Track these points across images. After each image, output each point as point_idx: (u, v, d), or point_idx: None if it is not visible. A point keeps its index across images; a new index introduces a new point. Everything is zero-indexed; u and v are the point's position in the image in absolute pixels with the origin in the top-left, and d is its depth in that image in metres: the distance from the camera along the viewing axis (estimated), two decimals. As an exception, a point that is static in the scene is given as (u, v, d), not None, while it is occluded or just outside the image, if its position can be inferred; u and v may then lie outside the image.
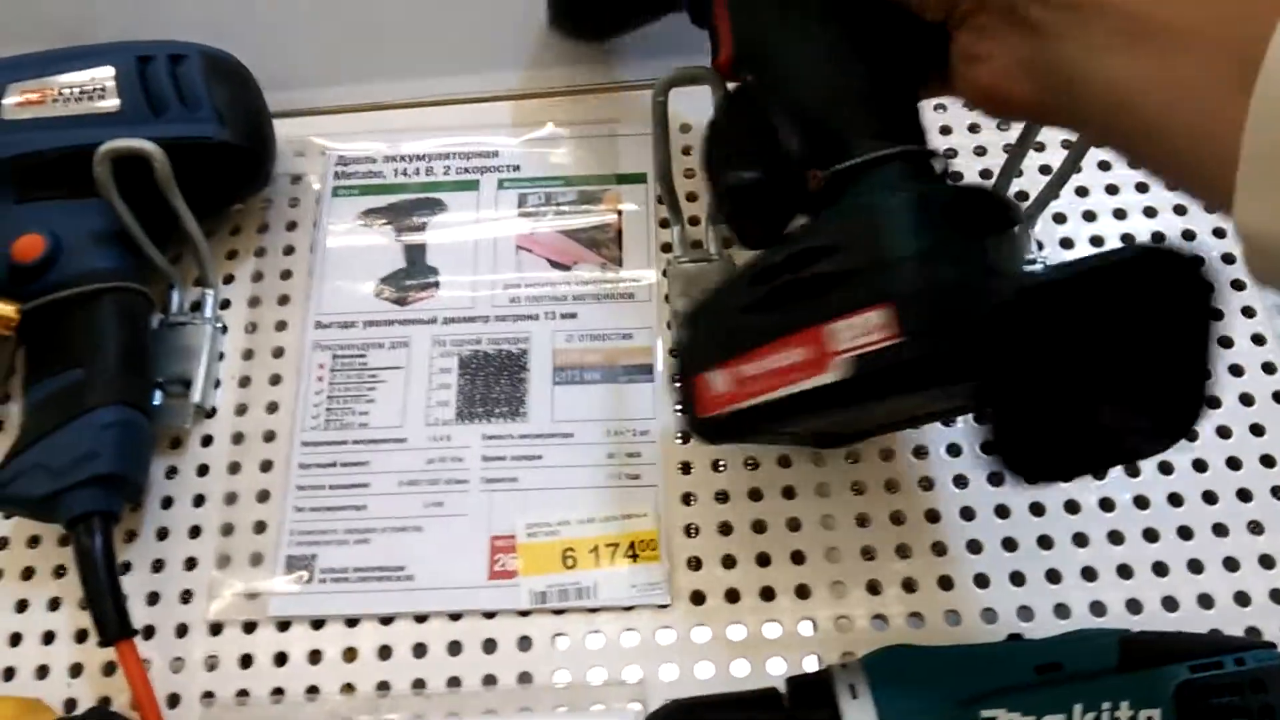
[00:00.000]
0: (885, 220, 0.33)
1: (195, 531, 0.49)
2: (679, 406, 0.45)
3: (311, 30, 0.61)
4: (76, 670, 0.47)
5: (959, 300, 0.32)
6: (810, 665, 0.45)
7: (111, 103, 0.51)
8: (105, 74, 0.51)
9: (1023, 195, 0.53)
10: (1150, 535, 0.47)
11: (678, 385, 0.45)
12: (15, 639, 0.48)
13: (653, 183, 0.56)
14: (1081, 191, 0.55)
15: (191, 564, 0.48)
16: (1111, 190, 0.55)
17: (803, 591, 0.46)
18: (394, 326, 0.53)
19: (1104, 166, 0.55)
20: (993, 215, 0.34)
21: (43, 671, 0.47)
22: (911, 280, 0.32)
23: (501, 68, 0.60)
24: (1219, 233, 0.53)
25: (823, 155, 0.37)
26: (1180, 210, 0.54)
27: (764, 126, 0.38)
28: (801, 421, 0.39)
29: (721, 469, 0.49)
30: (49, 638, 0.48)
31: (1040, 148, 0.55)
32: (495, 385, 0.51)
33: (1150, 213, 0.54)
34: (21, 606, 0.48)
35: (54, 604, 0.48)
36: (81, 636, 0.47)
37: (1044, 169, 0.55)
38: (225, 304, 0.55)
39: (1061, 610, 0.45)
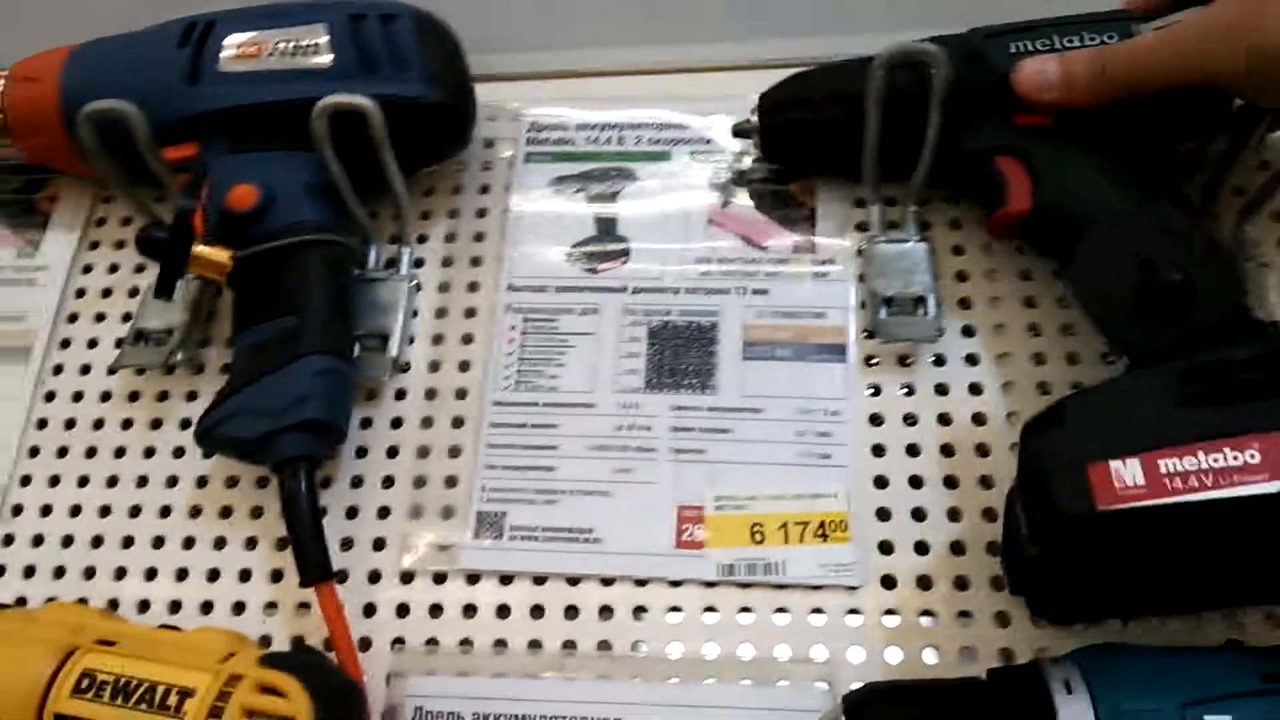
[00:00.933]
0: None
1: (389, 482, 0.50)
2: (1046, 494, 0.38)
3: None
4: (271, 608, 0.48)
5: None
6: (1004, 660, 0.44)
7: (325, 59, 0.52)
8: (319, 30, 0.53)
9: (1239, 190, 0.51)
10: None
11: (1039, 469, 0.39)
12: (213, 575, 0.49)
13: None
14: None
15: (384, 513, 0.50)
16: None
17: (998, 583, 0.45)
18: (584, 293, 0.53)
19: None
20: None
21: (239, 608, 0.48)
22: None
23: (695, 39, 0.60)
24: None
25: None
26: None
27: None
28: (1213, 535, 0.37)
29: (915, 454, 0.48)
30: (245, 575, 0.49)
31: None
32: (684, 357, 0.51)
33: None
34: (219, 544, 0.50)
35: (250, 543, 0.50)
36: (277, 576, 0.49)
37: (1263, 165, 0.53)
38: (419, 262, 0.56)
39: (1276, 620, 0.44)
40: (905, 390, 0.50)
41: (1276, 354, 0.38)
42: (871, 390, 0.50)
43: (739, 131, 0.55)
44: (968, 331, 0.51)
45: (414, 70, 0.52)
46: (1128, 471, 0.36)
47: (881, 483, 0.48)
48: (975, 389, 0.49)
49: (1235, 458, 0.35)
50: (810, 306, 0.52)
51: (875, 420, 0.49)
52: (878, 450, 0.48)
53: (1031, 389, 0.49)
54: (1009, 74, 0.47)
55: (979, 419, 0.49)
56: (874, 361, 0.50)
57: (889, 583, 0.46)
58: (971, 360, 0.50)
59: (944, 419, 0.49)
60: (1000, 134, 0.49)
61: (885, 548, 0.46)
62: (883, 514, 0.47)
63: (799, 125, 0.53)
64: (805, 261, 0.53)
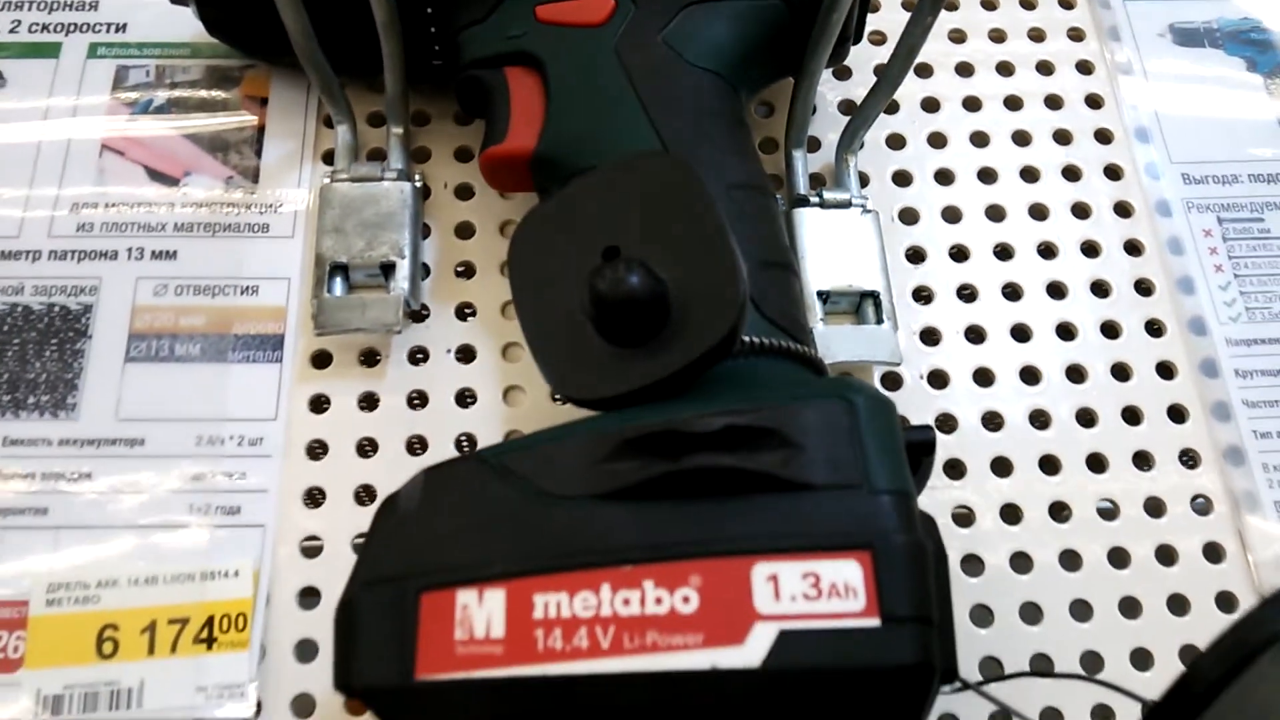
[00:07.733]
0: (870, 430, 0.22)
1: None
2: (342, 646, 0.23)
3: None
4: None
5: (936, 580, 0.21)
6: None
7: None
8: None
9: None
10: None
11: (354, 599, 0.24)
12: None
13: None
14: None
15: None
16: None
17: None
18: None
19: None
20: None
21: None
22: (903, 528, 0.21)
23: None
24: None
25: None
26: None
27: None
28: None
29: (374, 499, 0.32)
30: None
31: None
32: (34, 361, 0.33)
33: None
34: None
35: None
36: None
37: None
38: None
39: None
40: (365, 404, 0.33)
41: (744, 429, 0.22)
42: (315, 405, 0.33)
43: None
44: (464, 313, 0.35)
45: None
46: (483, 610, 0.21)
47: (314, 550, 0.32)
48: (467, 398, 0.34)
49: (659, 600, 0.20)
50: (238, 277, 0.35)
51: (317, 451, 0.33)
52: (315, 497, 0.32)
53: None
54: None
55: (473, 442, 0.33)
56: (325, 362, 0.34)
57: (305, 708, 0.30)
58: (466, 356, 0.34)
59: (419, 444, 0.33)
60: (510, 32, 0.33)
61: (306, 651, 0.31)
62: (310, 597, 0.31)
63: None
64: (238, 208, 0.36)
